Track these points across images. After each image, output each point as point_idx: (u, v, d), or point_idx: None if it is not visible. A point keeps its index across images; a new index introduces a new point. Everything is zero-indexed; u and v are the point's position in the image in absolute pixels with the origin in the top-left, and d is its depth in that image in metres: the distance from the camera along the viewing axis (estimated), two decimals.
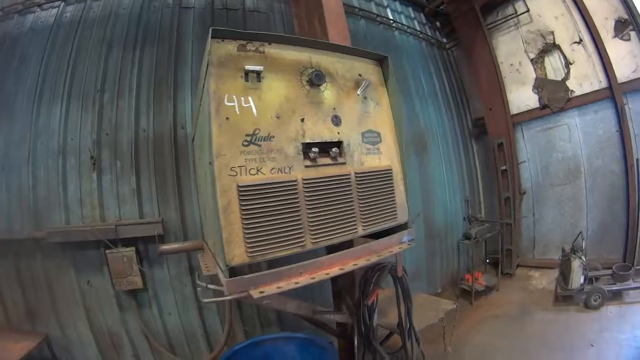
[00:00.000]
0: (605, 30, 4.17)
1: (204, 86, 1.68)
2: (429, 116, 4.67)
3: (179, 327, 2.78)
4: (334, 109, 1.76)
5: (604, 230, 4.29)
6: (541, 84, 4.66)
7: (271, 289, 1.45)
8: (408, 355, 2.18)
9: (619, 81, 4.11)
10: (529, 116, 4.79)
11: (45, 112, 2.63)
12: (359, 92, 1.83)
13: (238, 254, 1.44)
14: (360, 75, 1.90)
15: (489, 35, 4.89)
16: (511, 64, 4.89)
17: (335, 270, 1.60)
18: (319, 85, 1.71)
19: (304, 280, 1.52)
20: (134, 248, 2.55)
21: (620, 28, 4.09)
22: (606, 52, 4.15)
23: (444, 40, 5.38)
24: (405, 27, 4.77)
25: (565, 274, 3.70)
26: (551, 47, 4.56)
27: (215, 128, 1.44)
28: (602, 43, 4.17)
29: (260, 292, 1.42)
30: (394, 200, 1.91)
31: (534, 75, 4.71)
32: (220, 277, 1.55)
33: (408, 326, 2.26)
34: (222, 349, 2.68)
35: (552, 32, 4.55)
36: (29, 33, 2.81)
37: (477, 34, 4.87)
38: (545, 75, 4.63)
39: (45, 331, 2.55)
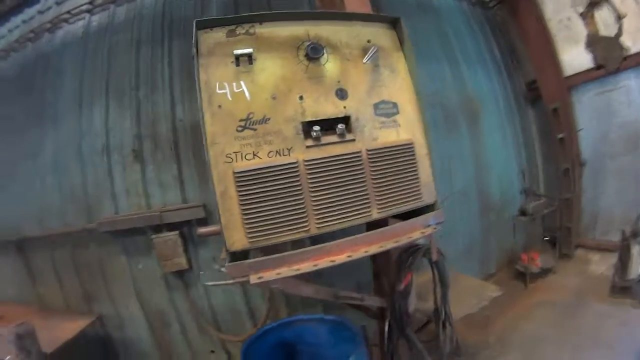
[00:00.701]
0: None
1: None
2: (477, 81, 4.09)
3: (224, 305, 2.99)
4: (339, 81, 1.60)
5: None
6: (594, 41, 3.84)
7: (270, 275, 1.43)
8: (441, 345, 1.99)
9: None
10: (585, 77, 4.01)
11: (87, 115, 2.93)
12: (365, 60, 1.62)
13: (238, 239, 1.44)
14: (369, 41, 1.68)
15: None
16: (560, 20, 4.03)
17: (342, 258, 1.50)
18: (318, 59, 1.56)
19: (305, 266, 1.46)
20: (177, 232, 2.79)
21: None
22: None
23: None
24: None
25: (623, 261, 3.12)
26: None
27: (208, 117, 1.43)
28: None
29: (259, 278, 1.41)
30: (417, 178, 1.69)
31: (585, 32, 3.86)
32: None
33: (443, 314, 2.07)
34: (262, 326, 2.83)
35: None
36: (61, 48, 3.14)
37: None
38: (597, 31, 3.79)
39: (99, 312, 2.93)
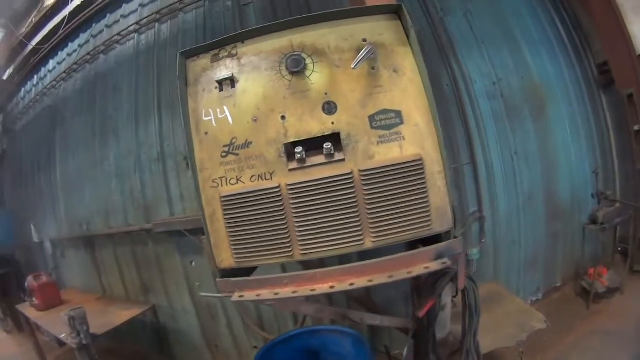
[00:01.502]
0: None
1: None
2: (543, 65, 3.28)
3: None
4: (326, 94, 1.44)
5: None
6: None
7: (251, 295, 1.46)
8: None
9: None
10: None
11: (143, 127, 3.39)
12: (353, 65, 1.39)
13: (226, 259, 1.52)
14: (365, 40, 1.44)
15: None
16: None
17: (324, 287, 1.40)
18: (299, 72, 1.42)
19: (285, 292, 1.43)
20: None
21: None
22: None
23: None
24: None
25: None
26: None
27: (196, 144, 1.51)
28: None
29: (240, 297, 1.46)
30: (425, 201, 1.41)
31: None
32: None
33: (469, 345, 1.73)
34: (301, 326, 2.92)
35: None
36: (116, 67, 3.65)
37: None
38: None
39: (155, 303, 3.42)
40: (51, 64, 4.74)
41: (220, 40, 1.51)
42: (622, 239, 3.52)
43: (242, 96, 1.47)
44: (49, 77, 4.72)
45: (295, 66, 1.41)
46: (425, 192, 1.41)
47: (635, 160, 3.36)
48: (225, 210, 1.47)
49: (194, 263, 3.30)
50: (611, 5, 3.17)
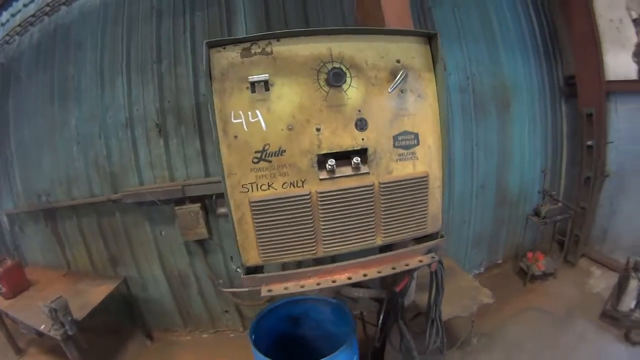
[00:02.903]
0: None
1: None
2: (515, 67, 3.67)
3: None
4: (359, 110, 1.52)
5: None
6: None
7: (279, 288, 1.61)
8: (427, 342, 2.25)
9: None
10: (628, 88, 3.52)
11: (109, 89, 2.93)
12: (390, 89, 1.50)
13: (252, 257, 1.61)
14: (398, 61, 1.53)
15: None
16: (611, 20, 3.44)
17: (342, 279, 1.65)
18: (336, 86, 1.46)
19: (309, 284, 1.62)
20: (199, 204, 3.01)
21: None
22: None
23: None
24: None
25: (620, 290, 3.04)
26: None
27: (224, 149, 1.44)
28: None
29: (269, 291, 1.61)
30: (425, 209, 1.71)
31: (635, 40, 3.33)
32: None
33: (433, 314, 2.27)
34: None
35: None
36: (79, 19, 3.00)
37: None
38: None
39: (124, 274, 3.29)
40: (4, 15, 3.74)
41: (254, 35, 1.39)
42: (560, 231, 4.10)
43: (277, 102, 1.44)
44: (1, 31, 3.73)
45: (337, 81, 1.44)
46: (427, 201, 1.70)
47: (582, 169, 3.89)
48: (255, 214, 1.51)
49: (163, 232, 3.18)
50: (593, 29, 3.51)
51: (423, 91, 1.60)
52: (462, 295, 2.72)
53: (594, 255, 4.03)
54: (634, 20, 3.34)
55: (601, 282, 3.67)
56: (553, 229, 4.08)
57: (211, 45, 1.39)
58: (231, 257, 3.15)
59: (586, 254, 4.08)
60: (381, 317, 2.36)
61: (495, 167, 3.73)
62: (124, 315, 3.60)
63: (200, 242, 3.17)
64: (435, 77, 1.60)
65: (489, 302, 2.68)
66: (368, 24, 2.26)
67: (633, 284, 2.96)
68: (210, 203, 3.09)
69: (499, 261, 4.16)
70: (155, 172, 3.03)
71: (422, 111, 1.60)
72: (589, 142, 3.79)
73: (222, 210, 2.84)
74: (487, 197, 3.78)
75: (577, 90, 3.85)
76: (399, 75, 1.49)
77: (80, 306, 2.71)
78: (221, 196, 3.01)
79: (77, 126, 3.15)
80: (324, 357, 2.03)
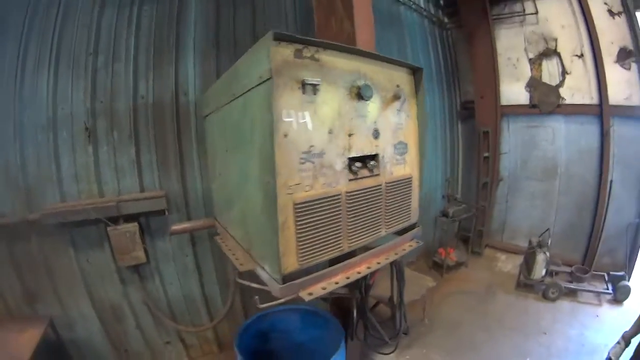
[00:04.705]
0: (608, 53, 4.25)
1: (248, 91, 1.61)
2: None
3: (180, 295, 2.88)
4: (375, 122, 1.82)
5: (570, 231, 4.68)
6: (535, 84, 4.81)
7: (317, 290, 1.64)
8: (397, 326, 2.62)
9: (610, 103, 4.25)
10: (518, 111, 4.92)
11: (30, 81, 2.20)
12: (398, 108, 1.89)
13: (290, 263, 1.57)
14: (398, 86, 1.94)
15: (492, 25, 4.89)
16: (509, 58, 4.98)
17: (364, 269, 1.84)
18: (365, 99, 1.73)
19: (341, 279, 1.73)
20: (136, 223, 2.47)
21: (623, 56, 4.17)
22: (604, 74, 4.26)
23: (446, 20, 5.28)
24: (411, 3, 4.59)
25: (529, 264, 4.00)
26: (552, 52, 4.66)
27: (276, 147, 1.43)
28: (603, 64, 4.24)
29: (309, 294, 1.60)
30: (410, 204, 2.13)
31: (529, 74, 4.82)
32: (264, 278, 1.70)
33: (399, 302, 2.68)
34: (221, 320, 2.89)
35: (556, 40, 4.59)
36: None
37: (482, 22, 4.84)
38: (540, 77, 4.80)
39: (44, 313, 2.45)
40: None
41: (311, 39, 1.49)
42: (463, 228, 5.00)
43: (322, 106, 1.56)
44: None
45: (368, 93, 1.70)
46: (411, 197, 2.14)
47: (480, 175, 4.90)
48: (297, 216, 1.52)
49: (90, 261, 2.47)
50: (493, 65, 4.55)
51: (410, 112, 2.06)
52: (410, 284, 3.27)
53: (496, 244, 5.16)
54: (530, 60, 4.67)
55: (508, 263, 4.65)
56: (457, 227, 5.05)
57: (274, 38, 1.39)
58: (257, 297, 2.80)
59: (489, 244, 5.15)
60: (354, 313, 2.59)
61: None
62: None
63: (135, 268, 2.58)
64: (417, 102, 2.10)
65: (433, 285, 3.34)
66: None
67: (540, 257, 3.89)
68: (147, 221, 2.59)
69: (413, 260, 4.91)
70: (80, 186, 2.31)
71: (409, 127, 2.06)
72: (486, 154, 4.91)
73: (176, 227, 2.42)
74: None
75: (475, 112, 5.04)
76: (402, 97, 1.90)
77: None
78: (162, 212, 2.61)
79: None
80: None
